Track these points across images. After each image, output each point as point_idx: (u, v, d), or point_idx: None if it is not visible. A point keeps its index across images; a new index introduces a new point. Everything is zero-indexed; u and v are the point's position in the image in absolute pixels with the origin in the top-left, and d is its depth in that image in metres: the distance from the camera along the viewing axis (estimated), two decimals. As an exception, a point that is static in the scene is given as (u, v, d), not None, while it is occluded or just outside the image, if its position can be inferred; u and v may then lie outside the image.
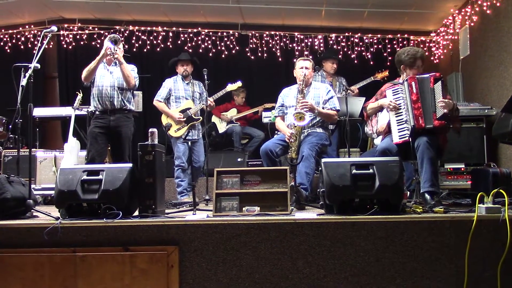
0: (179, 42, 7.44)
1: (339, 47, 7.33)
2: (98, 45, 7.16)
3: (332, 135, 5.15)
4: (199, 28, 7.46)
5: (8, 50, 7.53)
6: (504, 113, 4.06)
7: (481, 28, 5.89)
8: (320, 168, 3.48)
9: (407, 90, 3.84)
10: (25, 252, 3.09)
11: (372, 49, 7.30)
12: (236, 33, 7.46)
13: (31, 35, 7.54)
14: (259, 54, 7.39)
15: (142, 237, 3.08)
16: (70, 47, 7.64)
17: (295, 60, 5.02)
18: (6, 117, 5.94)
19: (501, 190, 3.07)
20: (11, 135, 6.12)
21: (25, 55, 6.69)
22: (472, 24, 6.10)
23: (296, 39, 7.43)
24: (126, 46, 6.73)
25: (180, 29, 7.50)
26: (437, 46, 7.28)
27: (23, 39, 7.55)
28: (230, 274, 3.04)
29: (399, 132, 3.83)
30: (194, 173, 5.36)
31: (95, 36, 7.46)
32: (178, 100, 5.50)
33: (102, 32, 7.38)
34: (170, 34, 7.49)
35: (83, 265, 3.04)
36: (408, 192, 4.19)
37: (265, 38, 7.43)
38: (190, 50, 7.17)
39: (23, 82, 3.64)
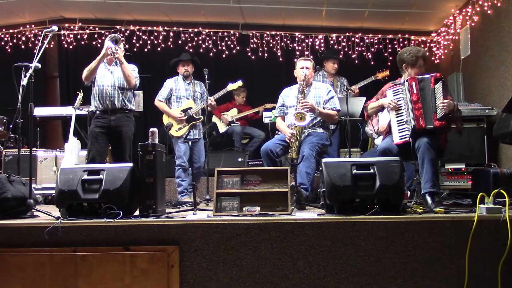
0: (179, 42, 7.44)
1: (339, 47, 7.32)
2: (98, 45, 7.16)
3: (333, 135, 5.15)
4: (200, 28, 7.46)
5: (9, 50, 7.53)
6: (505, 113, 4.06)
7: (482, 28, 5.89)
8: (320, 168, 3.49)
9: (408, 91, 3.83)
10: (25, 251, 3.09)
11: (372, 49, 7.29)
12: (237, 33, 7.46)
13: (32, 35, 7.54)
14: (260, 54, 7.39)
15: (143, 237, 3.08)
16: (70, 46, 7.63)
17: (295, 60, 5.01)
18: (6, 116, 5.95)
19: (501, 191, 3.07)
20: (11, 135, 6.13)
21: (26, 54, 6.68)
22: (473, 24, 6.09)
23: (296, 39, 7.42)
24: (127, 46, 6.73)
25: (181, 29, 7.50)
26: (437, 46, 7.27)
27: (23, 38, 7.55)
28: (231, 274, 3.04)
29: (399, 132, 3.83)
30: (195, 173, 5.36)
31: (95, 35, 7.46)
32: (179, 100, 5.50)
33: (102, 31, 7.38)
34: (171, 34, 7.49)
35: (83, 265, 3.04)
36: (409, 192, 4.18)
37: (266, 38, 7.42)
38: (191, 50, 7.18)
39: (24, 81, 3.64)
